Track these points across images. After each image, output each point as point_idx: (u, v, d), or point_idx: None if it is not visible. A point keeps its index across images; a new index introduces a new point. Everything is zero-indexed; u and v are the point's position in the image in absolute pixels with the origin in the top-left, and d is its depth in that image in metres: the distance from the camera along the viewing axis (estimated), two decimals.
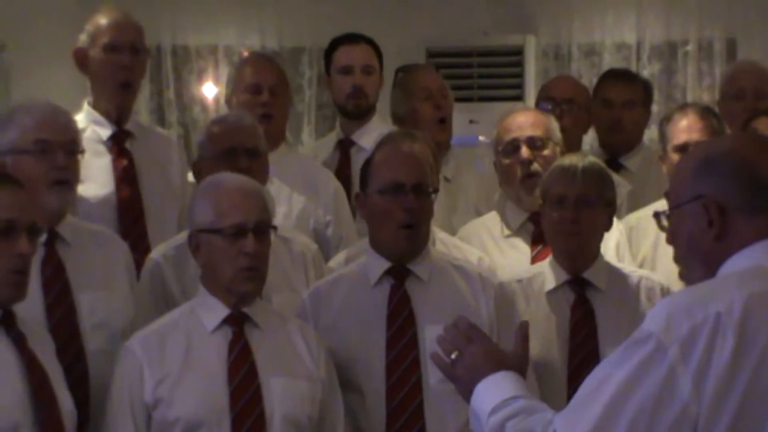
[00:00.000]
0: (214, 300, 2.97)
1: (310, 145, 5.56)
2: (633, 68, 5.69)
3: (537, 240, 3.64)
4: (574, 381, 3.17)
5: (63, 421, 2.77)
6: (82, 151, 3.19)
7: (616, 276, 3.38)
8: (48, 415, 2.73)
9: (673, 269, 2.19)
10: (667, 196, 2.18)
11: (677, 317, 1.92)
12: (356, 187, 3.78)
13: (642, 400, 1.89)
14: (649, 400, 1.89)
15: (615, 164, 4.37)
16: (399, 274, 3.16)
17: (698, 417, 1.88)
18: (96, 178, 3.62)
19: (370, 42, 4.34)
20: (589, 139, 5.03)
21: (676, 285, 3.03)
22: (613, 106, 4.52)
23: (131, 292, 3.24)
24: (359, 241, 3.67)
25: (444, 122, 4.35)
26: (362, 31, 4.41)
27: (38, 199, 2.93)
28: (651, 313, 1.96)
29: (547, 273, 3.39)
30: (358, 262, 3.27)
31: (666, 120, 3.86)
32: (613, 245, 3.64)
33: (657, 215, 2.19)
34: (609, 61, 5.95)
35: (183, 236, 3.17)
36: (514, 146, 3.69)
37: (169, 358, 2.92)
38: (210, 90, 6.06)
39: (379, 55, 4.33)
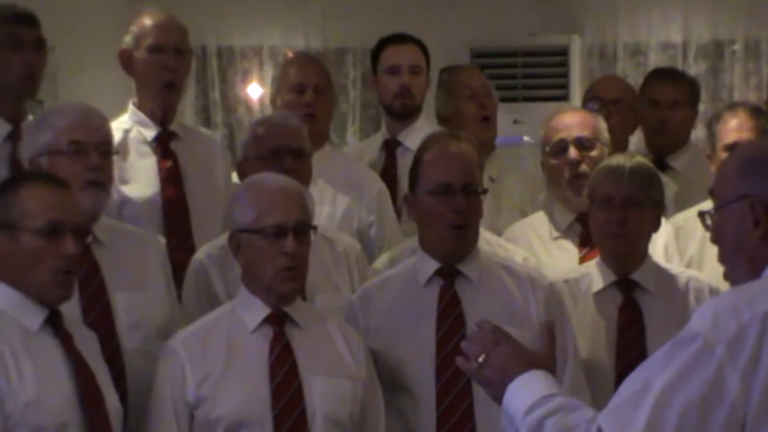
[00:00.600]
0: (255, 299, 2.97)
1: (355, 146, 5.56)
2: (679, 68, 5.64)
3: (585, 241, 3.62)
4: (622, 383, 3.14)
5: (110, 419, 2.79)
6: (116, 152, 3.21)
7: (665, 277, 3.36)
8: (95, 414, 2.75)
9: (720, 270, 2.17)
10: (711, 194, 2.16)
11: (724, 317, 1.91)
12: (402, 187, 3.79)
13: (689, 401, 1.89)
14: (697, 400, 1.88)
15: (661, 164, 4.34)
16: (448, 275, 3.15)
17: (746, 416, 1.88)
18: (141, 178, 3.64)
19: (417, 42, 4.33)
20: (635, 139, 5.00)
21: (724, 286, 2.99)
22: (660, 106, 4.49)
23: (167, 291, 3.25)
24: (403, 242, 3.66)
25: (488, 121, 4.34)
26: (406, 31, 4.40)
27: None
28: (697, 313, 1.96)
29: (594, 274, 3.37)
30: (407, 262, 3.26)
31: (715, 119, 3.82)
32: (661, 246, 3.61)
33: (702, 215, 2.18)
34: (655, 60, 5.92)
35: (227, 236, 3.17)
36: (562, 146, 3.68)
37: (211, 357, 2.93)
38: (255, 91, 6.08)
39: (427, 55, 4.33)
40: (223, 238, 3.24)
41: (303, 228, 2.97)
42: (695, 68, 5.85)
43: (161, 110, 3.73)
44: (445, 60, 4.78)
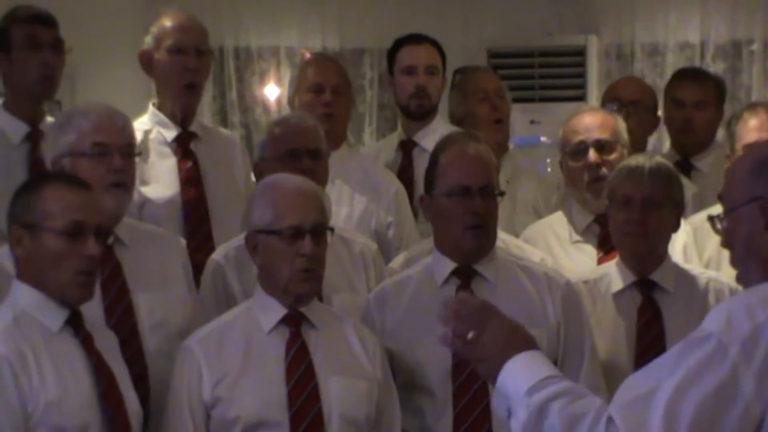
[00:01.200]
0: (271, 300, 2.98)
1: (371, 146, 5.56)
2: None
3: (603, 242, 3.61)
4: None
5: (130, 420, 2.80)
6: (139, 154, 3.21)
7: (684, 277, 3.35)
8: (116, 416, 2.76)
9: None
10: (720, 199, 2.16)
11: (738, 318, 1.92)
12: (419, 188, 3.78)
13: (703, 399, 1.89)
14: (711, 399, 1.89)
15: (687, 165, 4.33)
16: (465, 275, 3.15)
17: (764, 414, 1.88)
18: (161, 179, 3.65)
19: (433, 43, 4.33)
20: (654, 140, 4.99)
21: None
22: (685, 106, 4.47)
23: (189, 292, 3.25)
24: (420, 243, 3.66)
25: (501, 123, 4.35)
26: (423, 32, 4.40)
27: None
28: (710, 314, 1.97)
29: (613, 274, 3.36)
30: (424, 262, 3.26)
31: (735, 119, 3.81)
32: (680, 246, 3.60)
33: (712, 219, 2.19)
34: (672, 60, 5.91)
35: (243, 237, 3.18)
36: (581, 149, 3.67)
37: (227, 357, 2.93)
38: (272, 91, 6.09)
39: (443, 56, 4.33)
40: (239, 239, 3.25)
41: (320, 229, 2.97)
42: (713, 68, 5.82)
43: (181, 111, 3.74)
44: (462, 61, 4.79)
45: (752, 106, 3.87)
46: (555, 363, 3.09)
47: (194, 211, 3.66)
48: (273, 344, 2.95)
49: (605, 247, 3.60)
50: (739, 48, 5.94)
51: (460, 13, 5.89)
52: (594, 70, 5.89)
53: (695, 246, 3.71)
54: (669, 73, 5.02)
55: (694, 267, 3.47)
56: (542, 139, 5.62)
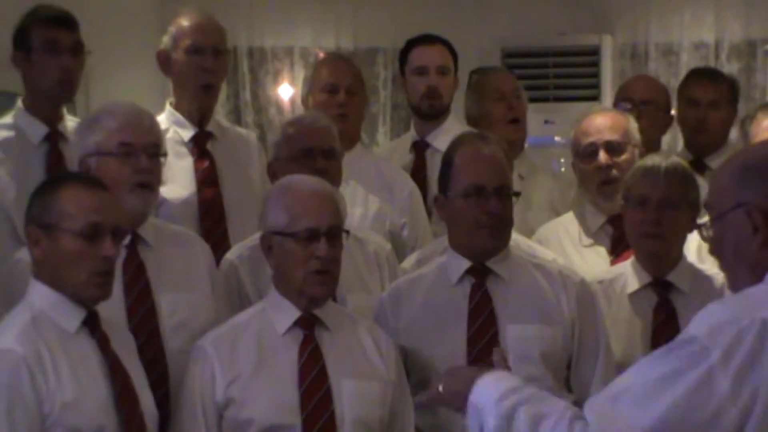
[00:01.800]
0: (285, 302, 2.98)
1: (385, 146, 5.56)
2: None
3: (616, 243, 3.61)
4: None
5: (145, 422, 2.80)
6: (165, 154, 3.20)
7: (700, 278, 3.35)
8: (131, 417, 2.76)
9: None
10: (706, 207, 2.16)
11: (722, 322, 1.93)
12: (432, 188, 3.79)
13: (676, 397, 1.91)
14: (684, 397, 1.90)
15: (700, 165, 4.32)
16: (480, 273, 3.15)
17: (744, 421, 1.89)
18: (178, 179, 3.64)
19: (445, 43, 4.33)
20: (667, 139, 4.98)
21: None
22: (698, 106, 4.46)
23: (212, 293, 3.25)
24: (432, 243, 3.66)
25: (517, 123, 4.34)
26: (437, 32, 4.40)
27: (121, 201, 2.94)
28: (696, 318, 1.98)
29: (628, 275, 3.36)
30: (438, 261, 3.26)
31: (748, 119, 3.81)
32: (694, 247, 3.59)
33: (698, 227, 2.19)
34: (687, 60, 5.90)
35: (258, 237, 3.18)
36: (591, 150, 3.66)
37: (240, 358, 2.94)
38: (286, 91, 6.09)
39: (455, 56, 4.32)
40: (254, 239, 3.25)
41: (335, 232, 2.97)
42: (727, 68, 5.81)
43: (198, 111, 3.74)
44: (476, 61, 4.79)
45: (766, 106, 3.87)
46: (570, 360, 3.12)
47: (210, 211, 3.66)
48: (286, 346, 2.95)
49: (618, 249, 3.59)
50: (753, 48, 5.92)
51: (474, 13, 5.89)
52: (608, 69, 5.88)
53: None
54: (683, 73, 5.00)
55: (708, 267, 3.46)
56: (556, 138, 5.61)
